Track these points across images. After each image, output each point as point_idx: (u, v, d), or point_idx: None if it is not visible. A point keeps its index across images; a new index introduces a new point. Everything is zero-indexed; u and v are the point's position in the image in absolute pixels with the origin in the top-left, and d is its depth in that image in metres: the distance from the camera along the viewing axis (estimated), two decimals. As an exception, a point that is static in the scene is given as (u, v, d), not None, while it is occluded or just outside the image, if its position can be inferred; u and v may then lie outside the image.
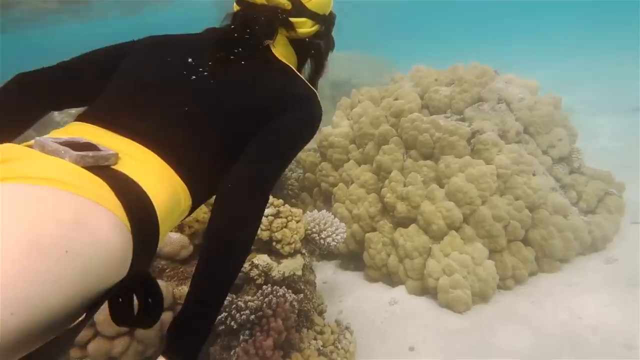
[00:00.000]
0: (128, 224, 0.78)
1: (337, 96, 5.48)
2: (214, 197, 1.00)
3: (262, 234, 2.73)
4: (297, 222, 2.86)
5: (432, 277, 3.54)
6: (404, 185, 3.85)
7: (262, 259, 2.67)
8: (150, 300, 0.81)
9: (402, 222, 3.87)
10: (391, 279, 3.94)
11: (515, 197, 3.67)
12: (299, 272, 2.79)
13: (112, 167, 0.85)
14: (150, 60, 1.13)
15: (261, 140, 1.03)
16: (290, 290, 2.56)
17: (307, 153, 5.06)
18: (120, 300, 0.79)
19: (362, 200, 4.11)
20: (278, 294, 2.45)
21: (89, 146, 0.84)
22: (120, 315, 0.80)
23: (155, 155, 0.94)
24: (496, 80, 4.31)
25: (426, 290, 3.66)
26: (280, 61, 1.18)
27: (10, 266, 0.59)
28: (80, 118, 1.01)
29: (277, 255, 2.80)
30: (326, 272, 4.40)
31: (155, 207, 0.87)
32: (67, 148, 0.79)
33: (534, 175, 3.74)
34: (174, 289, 2.37)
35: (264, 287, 2.48)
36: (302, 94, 1.14)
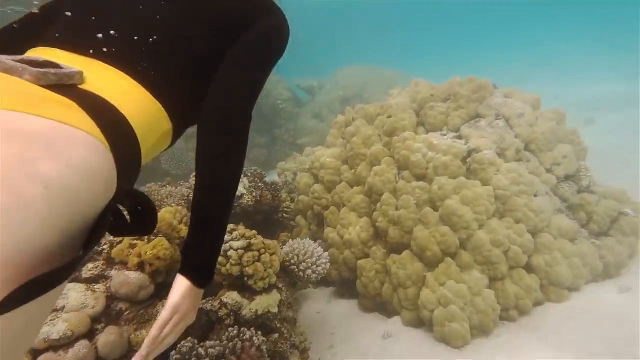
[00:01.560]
0: (107, 143, 0.73)
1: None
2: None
3: (232, 269, 2.54)
4: (272, 254, 2.66)
5: (426, 308, 3.28)
6: (396, 209, 3.62)
7: (231, 297, 2.48)
8: (140, 208, 0.87)
9: (396, 248, 3.64)
10: (386, 309, 3.70)
11: (516, 221, 3.39)
12: (274, 310, 2.59)
13: (78, 86, 0.79)
14: None
15: (232, 61, 1.01)
16: (260, 332, 2.35)
17: (302, 175, 4.88)
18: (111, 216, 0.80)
19: (353, 225, 3.90)
20: (244, 338, 2.25)
21: (50, 64, 0.76)
22: (115, 227, 0.85)
23: (122, 73, 0.88)
24: (495, 94, 4.05)
25: (422, 322, 3.40)
26: None
27: None
28: (38, 45, 0.94)
29: (250, 292, 2.61)
30: (321, 301, 4.19)
31: (132, 124, 0.82)
32: (25, 65, 0.71)
33: (535, 196, 3.46)
34: (132, 334, 2.20)
35: (230, 329, 2.28)
36: (264, 4, 1.13)
